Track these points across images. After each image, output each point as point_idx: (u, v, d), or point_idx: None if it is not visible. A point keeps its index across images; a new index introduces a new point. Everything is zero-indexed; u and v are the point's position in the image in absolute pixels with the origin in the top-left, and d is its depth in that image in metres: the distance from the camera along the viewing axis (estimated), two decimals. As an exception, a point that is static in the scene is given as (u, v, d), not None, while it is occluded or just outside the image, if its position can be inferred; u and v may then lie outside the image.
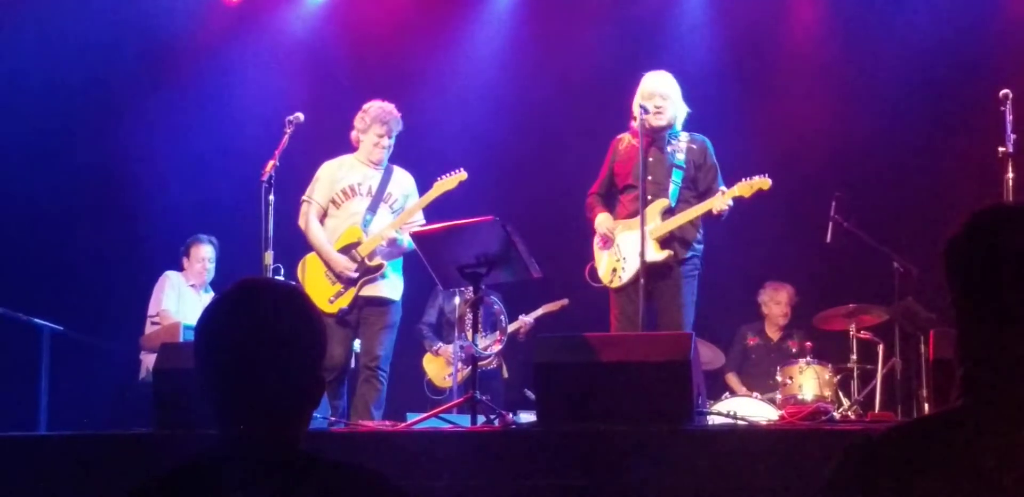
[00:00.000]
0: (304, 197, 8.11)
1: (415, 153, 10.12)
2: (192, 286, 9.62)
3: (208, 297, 9.61)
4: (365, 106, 8.33)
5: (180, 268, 9.70)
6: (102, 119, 10.85)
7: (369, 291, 8.13)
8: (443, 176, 8.17)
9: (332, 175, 8.29)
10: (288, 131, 7.94)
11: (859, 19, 10.73)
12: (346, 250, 8.14)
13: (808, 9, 10.91)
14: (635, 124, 7.90)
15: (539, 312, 10.34)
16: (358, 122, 8.33)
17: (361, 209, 8.24)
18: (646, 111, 7.74)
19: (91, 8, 10.60)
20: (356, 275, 8.10)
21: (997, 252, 2.34)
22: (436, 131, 11.07)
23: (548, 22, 11.34)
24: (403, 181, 8.43)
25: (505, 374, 10.47)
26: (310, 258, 8.23)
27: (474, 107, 11.22)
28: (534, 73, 11.27)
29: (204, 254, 9.65)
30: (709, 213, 7.75)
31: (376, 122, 8.26)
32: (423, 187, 8.31)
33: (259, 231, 7.92)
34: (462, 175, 8.12)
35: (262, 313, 2.49)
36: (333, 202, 8.28)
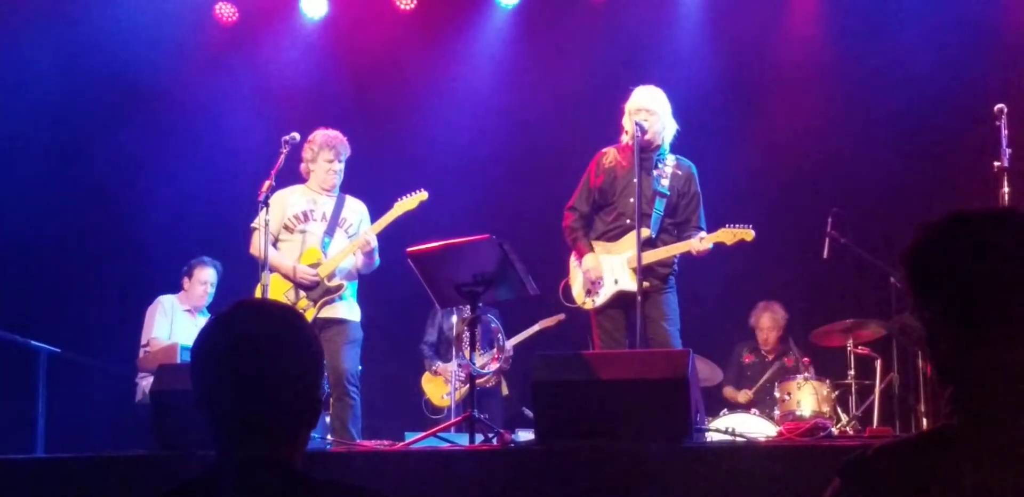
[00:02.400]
0: (253, 224, 8.03)
1: (407, 169, 10.17)
2: (188, 311, 9.58)
3: (203, 321, 9.57)
4: (310, 136, 8.37)
5: (180, 288, 9.66)
6: (98, 140, 10.86)
7: (327, 313, 8.15)
8: (403, 196, 8.22)
9: (283, 202, 8.29)
10: (284, 151, 7.96)
11: (856, 35, 10.74)
12: None
13: (804, 24, 10.92)
14: (625, 138, 7.92)
15: (536, 328, 10.33)
16: (306, 152, 8.38)
17: (319, 232, 8.30)
18: (643, 130, 7.72)
19: (88, 27, 10.61)
20: (316, 279, 8.11)
21: (961, 261, 2.30)
22: (428, 147, 11.11)
23: (542, 38, 11.35)
24: (357, 207, 8.51)
25: (505, 391, 10.46)
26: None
27: (468, 124, 11.24)
28: (527, 89, 11.29)
29: (206, 277, 9.61)
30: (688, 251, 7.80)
31: (324, 148, 8.33)
32: (384, 207, 8.34)
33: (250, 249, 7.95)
34: (422, 195, 8.22)
35: (258, 334, 2.50)
36: (286, 227, 8.31)
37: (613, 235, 7.92)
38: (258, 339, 2.49)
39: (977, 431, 2.23)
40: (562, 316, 10.11)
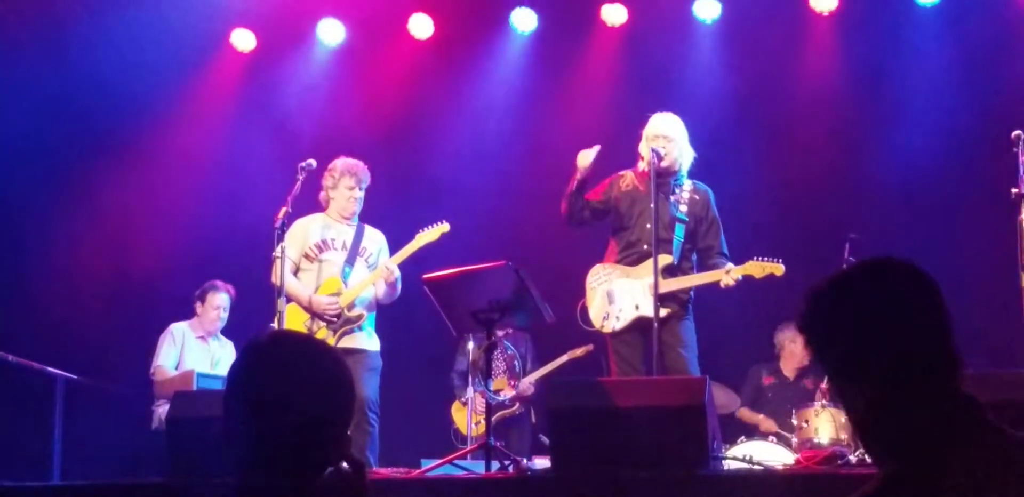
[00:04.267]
0: (275, 253, 7.91)
1: (422, 195, 10.16)
2: (200, 337, 9.57)
3: (217, 345, 9.60)
4: (330, 164, 8.39)
5: (192, 313, 9.66)
6: (114, 165, 10.87)
7: (347, 343, 8.12)
8: (425, 228, 8.22)
9: (303, 231, 8.31)
10: (300, 177, 7.98)
11: (874, 61, 10.73)
12: None
13: (822, 51, 10.90)
14: (642, 165, 7.91)
15: (564, 359, 10.27)
16: (327, 180, 8.39)
17: (339, 261, 8.29)
18: (659, 156, 7.71)
19: (104, 53, 10.63)
20: (338, 310, 8.11)
21: (866, 314, 2.37)
22: (445, 173, 11.10)
23: (559, 64, 11.36)
24: (376, 237, 8.52)
25: (533, 419, 10.39)
26: (287, 310, 8.03)
27: (484, 150, 11.22)
28: (545, 115, 11.27)
29: (219, 303, 9.60)
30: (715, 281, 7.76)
31: (345, 175, 8.33)
32: (405, 238, 8.34)
33: (270, 277, 7.93)
34: (444, 227, 8.23)
35: (290, 365, 2.53)
36: (306, 256, 8.31)
37: (631, 260, 7.89)
38: (289, 372, 2.52)
39: (925, 482, 2.24)
40: (590, 346, 10.06)
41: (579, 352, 10.20)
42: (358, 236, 8.40)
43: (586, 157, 7.82)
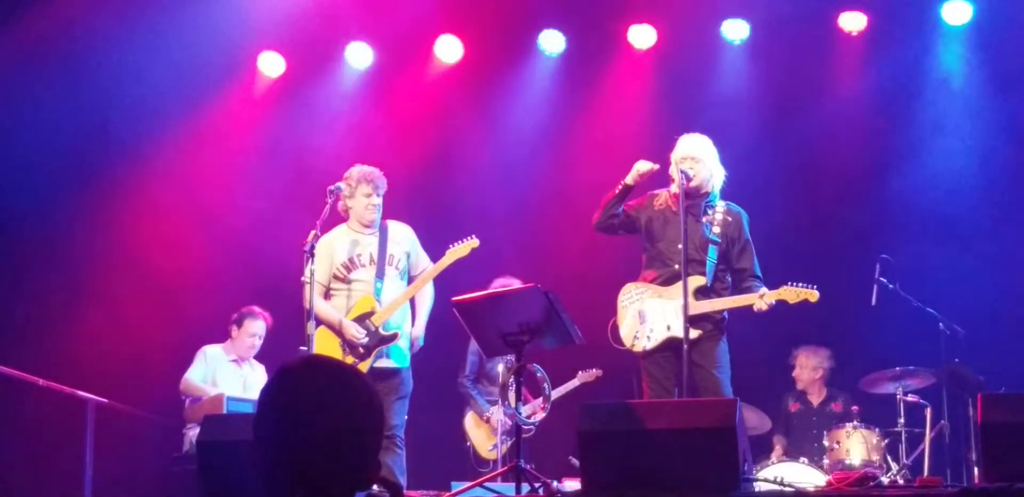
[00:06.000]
0: (303, 278, 7.88)
1: (450, 217, 10.15)
2: (233, 361, 9.56)
3: (250, 370, 9.58)
4: (346, 173, 8.32)
5: (227, 336, 9.65)
6: (143, 187, 10.90)
7: (382, 363, 8.08)
8: (455, 243, 8.17)
9: (330, 249, 8.22)
10: (329, 201, 7.96)
11: (904, 81, 10.70)
12: (360, 320, 8.11)
13: (852, 71, 10.89)
14: (673, 188, 7.87)
15: (575, 383, 10.21)
16: (343, 189, 8.35)
17: (369, 278, 8.23)
18: (688, 177, 7.68)
19: (137, 73, 10.70)
20: (366, 341, 8.08)
21: None
22: (472, 195, 11.10)
23: (586, 85, 11.37)
24: (400, 237, 8.41)
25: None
26: (318, 333, 8.05)
27: (511, 171, 11.24)
28: (572, 136, 11.28)
29: (255, 330, 9.56)
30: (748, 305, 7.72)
31: (362, 182, 8.26)
32: (434, 258, 8.32)
33: (301, 301, 7.92)
34: (474, 242, 8.14)
35: (321, 393, 2.52)
36: (336, 277, 8.25)
37: (663, 280, 7.83)
38: (320, 397, 2.51)
39: None
40: (599, 372, 10.05)
41: (590, 377, 10.15)
42: (382, 244, 8.31)
43: (645, 165, 7.80)
